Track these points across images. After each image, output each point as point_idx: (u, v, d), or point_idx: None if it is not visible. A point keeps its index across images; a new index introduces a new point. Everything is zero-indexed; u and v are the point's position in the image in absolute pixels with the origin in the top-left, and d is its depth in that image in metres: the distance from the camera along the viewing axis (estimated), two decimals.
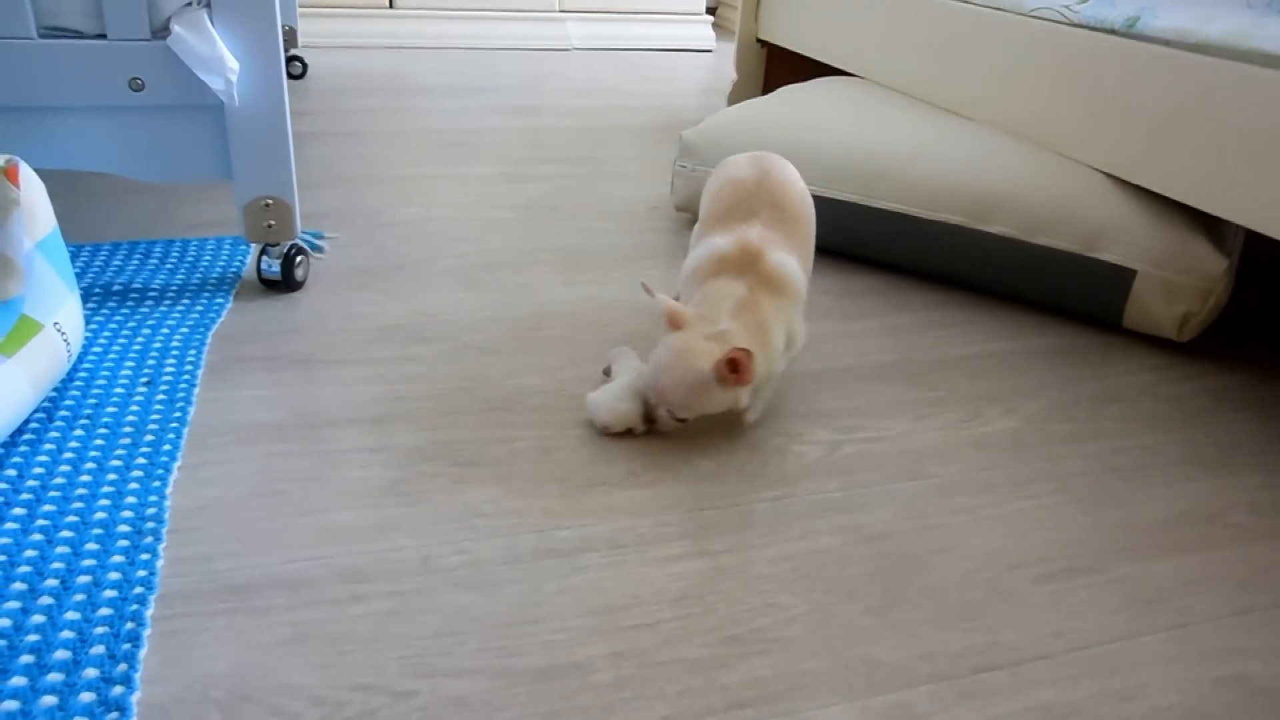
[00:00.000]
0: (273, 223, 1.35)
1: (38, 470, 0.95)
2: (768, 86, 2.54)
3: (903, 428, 1.15)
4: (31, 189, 1.08)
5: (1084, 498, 1.04)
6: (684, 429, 1.10)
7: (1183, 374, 1.32)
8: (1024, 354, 1.35)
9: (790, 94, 1.90)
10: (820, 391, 1.20)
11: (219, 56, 1.21)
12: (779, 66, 2.53)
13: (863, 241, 1.58)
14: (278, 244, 1.37)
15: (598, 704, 0.74)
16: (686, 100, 2.85)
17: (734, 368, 0.99)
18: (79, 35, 1.21)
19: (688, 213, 1.78)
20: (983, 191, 1.45)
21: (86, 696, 0.70)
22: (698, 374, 1.01)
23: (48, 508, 0.90)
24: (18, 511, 0.89)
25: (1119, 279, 1.36)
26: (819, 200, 1.57)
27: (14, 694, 0.70)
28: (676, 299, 1.12)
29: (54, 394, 1.08)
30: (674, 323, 1.04)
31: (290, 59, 2.81)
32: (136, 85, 1.23)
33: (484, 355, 1.25)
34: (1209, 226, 1.36)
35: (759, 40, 2.53)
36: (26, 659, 0.73)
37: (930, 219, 1.49)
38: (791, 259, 1.10)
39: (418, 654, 0.78)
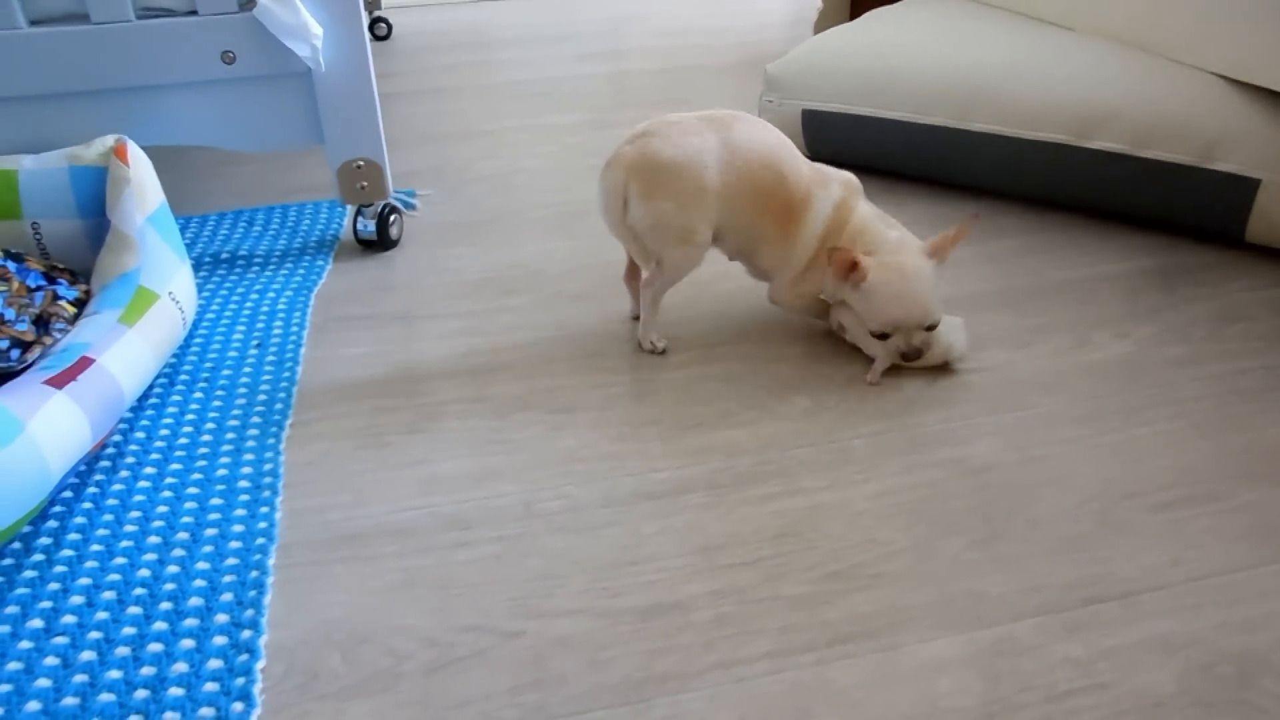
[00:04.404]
0: (365, 184, 1.38)
1: (164, 432, 1.01)
2: (855, 12, 2.45)
3: (1005, 357, 1.11)
4: (140, 166, 1.13)
5: (1203, 423, 0.99)
6: (780, 366, 1.10)
7: None
8: (1134, 275, 1.29)
9: (878, 18, 1.83)
10: None
11: (303, 24, 1.23)
12: None
13: (957, 168, 1.52)
14: (371, 204, 1.41)
15: (699, 641, 0.75)
16: (770, 33, 2.78)
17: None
18: (171, 14, 1.25)
19: None
20: (1087, 105, 1.37)
21: (219, 640, 0.75)
22: (926, 270, 1.05)
23: (175, 466, 0.96)
24: (149, 471, 0.95)
25: (1240, 190, 1.28)
26: (910, 127, 1.52)
27: (158, 637, 0.75)
28: None
29: (173, 360, 1.14)
30: (852, 265, 1.05)
31: (375, 21, 2.84)
32: (228, 58, 1.27)
33: (576, 303, 1.26)
34: None
35: None
36: (165, 605, 0.79)
37: (1031, 139, 1.42)
38: None
39: (523, 596, 0.80)
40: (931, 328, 1.06)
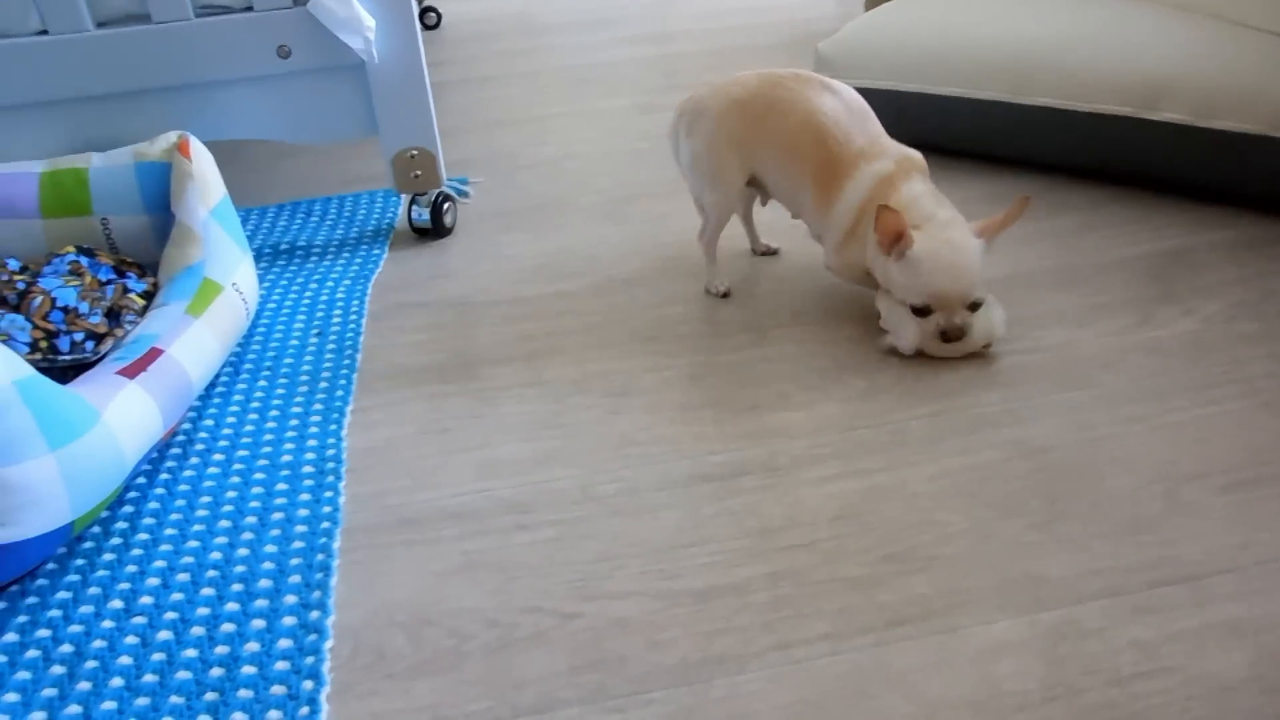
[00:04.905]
0: (419, 173, 1.40)
1: (230, 419, 1.04)
2: None
3: (1065, 336, 1.09)
4: (202, 161, 1.16)
5: (1273, 401, 0.96)
6: (835, 348, 1.09)
7: None
8: (1201, 250, 1.25)
9: None
10: None
11: (356, 16, 1.25)
12: None
13: (1016, 143, 1.49)
14: (425, 193, 1.42)
15: (757, 623, 0.75)
16: (820, 10, 2.74)
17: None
18: (228, 11, 1.28)
19: None
20: (1149, 76, 1.34)
21: (289, 620, 0.78)
22: (974, 246, 1.03)
23: (242, 452, 0.98)
24: (217, 457, 0.98)
25: None
26: (966, 103, 1.49)
27: (230, 618, 0.78)
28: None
29: (238, 349, 1.17)
30: (898, 235, 1.02)
31: (424, 10, 2.87)
32: (284, 52, 1.29)
33: (629, 287, 1.27)
34: None
35: None
36: (237, 587, 0.81)
37: (1090, 111, 1.38)
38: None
39: (581, 578, 0.81)
40: (974, 307, 1.04)
